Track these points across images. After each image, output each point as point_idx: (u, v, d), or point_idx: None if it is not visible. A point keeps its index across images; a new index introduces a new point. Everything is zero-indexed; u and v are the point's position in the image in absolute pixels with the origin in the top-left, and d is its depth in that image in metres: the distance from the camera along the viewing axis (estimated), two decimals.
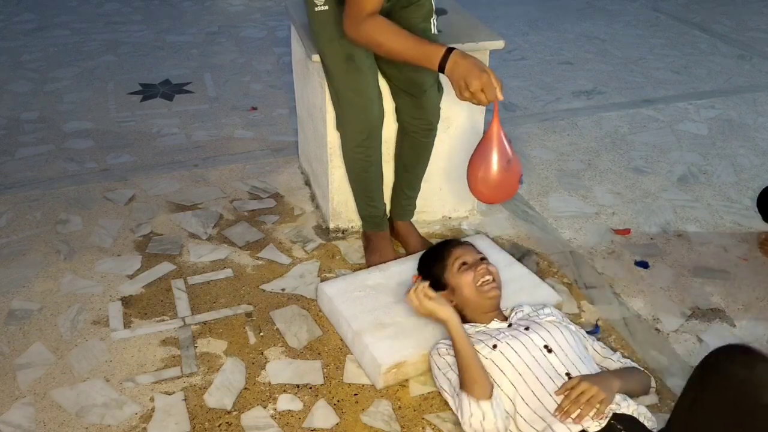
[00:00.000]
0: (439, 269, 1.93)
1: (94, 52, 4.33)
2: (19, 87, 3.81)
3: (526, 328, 1.78)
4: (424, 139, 2.27)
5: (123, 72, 4.03)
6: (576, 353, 1.73)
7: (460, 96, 1.77)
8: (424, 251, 2.10)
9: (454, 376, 1.74)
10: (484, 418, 1.62)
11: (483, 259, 1.94)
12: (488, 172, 1.83)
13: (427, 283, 1.84)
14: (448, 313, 1.78)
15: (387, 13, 1.94)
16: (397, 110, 2.27)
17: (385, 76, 2.20)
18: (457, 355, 1.72)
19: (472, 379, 1.66)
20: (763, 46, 4.64)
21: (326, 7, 2.04)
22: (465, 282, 1.86)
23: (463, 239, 2.24)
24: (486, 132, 1.86)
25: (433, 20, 2.14)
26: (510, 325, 1.83)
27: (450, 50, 1.77)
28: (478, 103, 1.76)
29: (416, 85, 2.14)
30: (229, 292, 2.26)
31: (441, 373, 1.79)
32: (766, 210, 2.49)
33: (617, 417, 1.57)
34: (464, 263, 1.90)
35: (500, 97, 1.73)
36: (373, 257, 2.34)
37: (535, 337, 1.74)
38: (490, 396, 1.64)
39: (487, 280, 1.86)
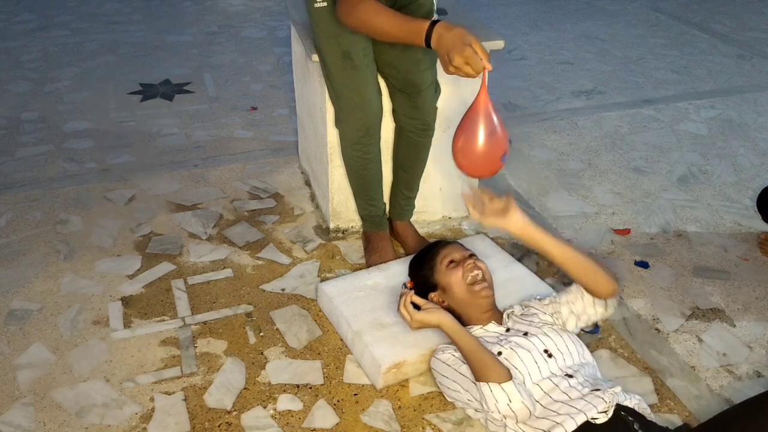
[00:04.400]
0: (428, 271, 1.92)
1: (94, 52, 4.33)
2: (19, 87, 3.82)
3: (525, 334, 1.76)
4: (421, 139, 2.27)
5: (123, 72, 4.03)
6: (574, 358, 1.72)
7: (446, 70, 1.69)
8: (413, 255, 2.08)
9: (466, 369, 1.70)
10: (510, 400, 1.56)
11: (472, 255, 1.92)
12: (467, 143, 1.71)
13: (411, 293, 1.86)
14: (437, 316, 1.79)
15: None
16: (394, 110, 2.27)
17: (382, 75, 2.19)
18: (462, 351, 1.70)
19: (486, 366, 1.62)
20: (763, 46, 4.64)
21: (324, 4, 2.03)
22: (454, 279, 1.85)
23: (462, 240, 2.24)
24: (473, 102, 1.74)
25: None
26: (508, 330, 1.82)
27: (435, 23, 1.69)
28: (466, 76, 1.65)
29: (413, 85, 2.14)
30: (229, 292, 2.26)
31: (451, 370, 1.74)
32: (766, 210, 2.49)
33: (625, 409, 1.56)
34: (452, 261, 1.89)
35: (488, 67, 1.62)
36: (373, 257, 2.34)
37: (536, 341, 1.72)
38: (509, 377, 1.59)
39: (476, 275, 1.85)
